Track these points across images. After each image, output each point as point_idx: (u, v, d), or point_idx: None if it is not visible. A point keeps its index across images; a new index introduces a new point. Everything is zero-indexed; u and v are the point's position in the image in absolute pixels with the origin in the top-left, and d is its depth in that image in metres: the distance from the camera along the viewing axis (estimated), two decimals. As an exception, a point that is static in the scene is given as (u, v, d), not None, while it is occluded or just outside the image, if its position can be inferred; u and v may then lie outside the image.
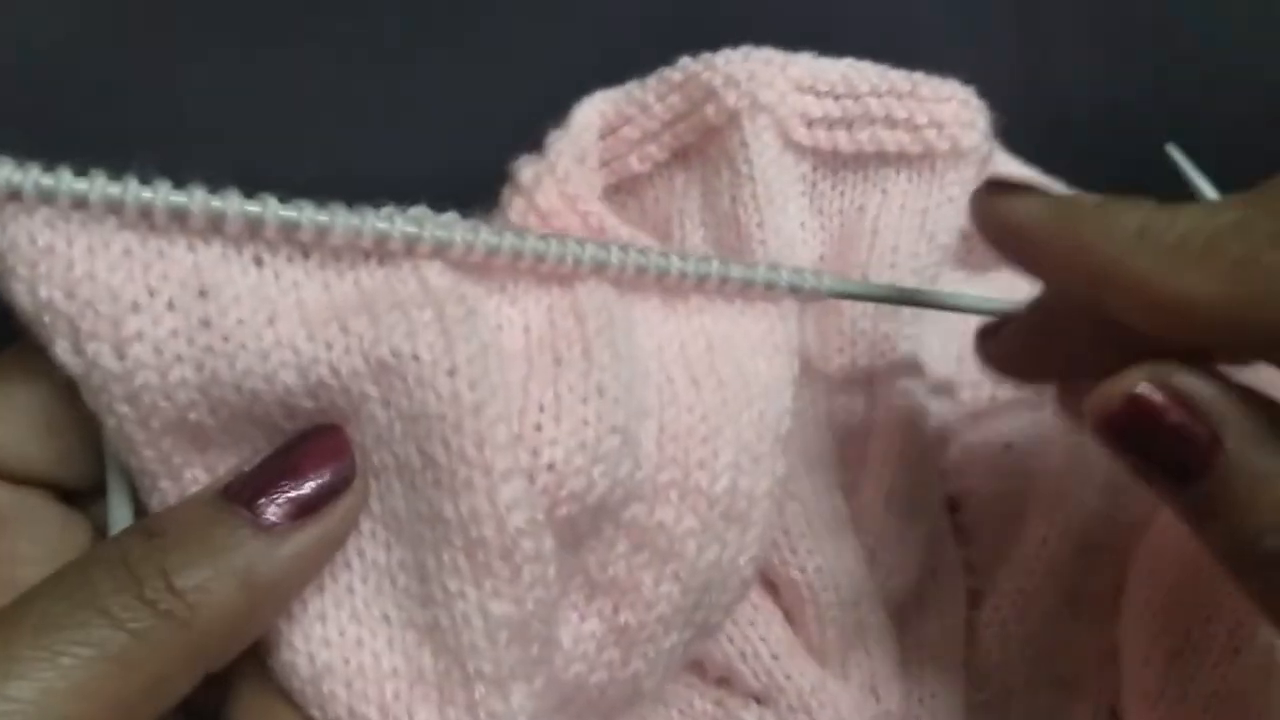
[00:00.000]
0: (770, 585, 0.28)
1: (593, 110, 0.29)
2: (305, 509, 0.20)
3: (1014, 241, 0.21)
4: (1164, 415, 0.19)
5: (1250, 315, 0.18)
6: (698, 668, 0.28)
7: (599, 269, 0.23)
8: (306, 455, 0.21)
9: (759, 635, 0.27)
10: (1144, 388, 0.19)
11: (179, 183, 0.20)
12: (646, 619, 0.23)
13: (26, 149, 0.20)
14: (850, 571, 0.27)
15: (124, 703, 0.18)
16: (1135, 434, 0.19)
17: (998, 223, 0.21)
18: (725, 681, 0.28)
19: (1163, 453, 0.19)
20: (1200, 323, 0.18)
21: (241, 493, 0.20)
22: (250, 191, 0.21)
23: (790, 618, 0.28)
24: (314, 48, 0.32)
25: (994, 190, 0.22)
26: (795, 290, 0.24)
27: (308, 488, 0.20)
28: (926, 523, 0.28)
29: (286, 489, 0.20)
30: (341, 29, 0.32)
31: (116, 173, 0.20)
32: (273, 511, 0.20)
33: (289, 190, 0.21)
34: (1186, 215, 0.19)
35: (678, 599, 0.23)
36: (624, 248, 0.23)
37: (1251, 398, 0.19)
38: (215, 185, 0.20)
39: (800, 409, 0.26)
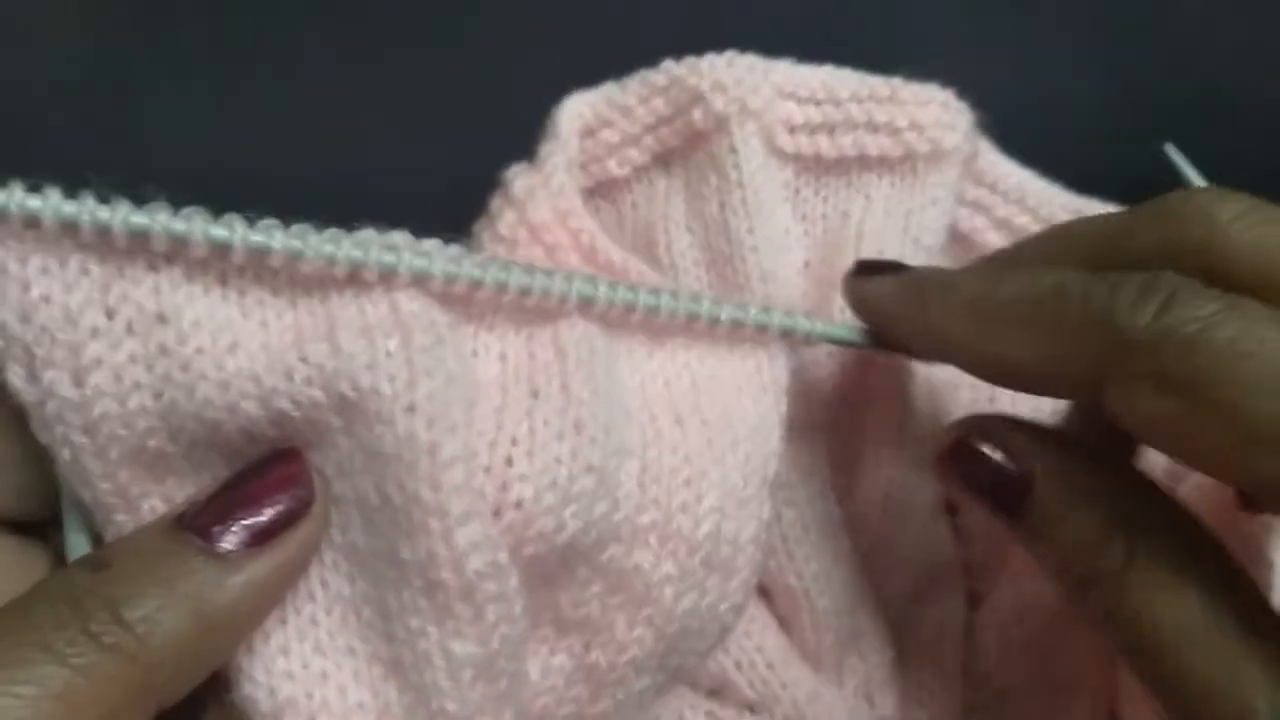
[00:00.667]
0: (765, 592, 0.28)
1: (575, 113, 0.28)
2: (261, 537, 0.19)
3: (875, 319, 0.24)
4: (981, 457, 0.22)
5: (1063, 371, 0.20)
6: (689, 680, 0.27)
7: (585, 306, 0.22)
8: (263, 482, 0.20)
9: (754, 644, 0.27)
10: (966, 433, 0.23)
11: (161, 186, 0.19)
12: (617, 661, 0.22)
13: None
14: (846, 577, 0.27)
15: None
16: (960, 472, 0.23)
17: (861, 303, 0.24)
18: (717, 693, 0.27)
19: (987, 490, 0.22)
20: (1026, 380, 0.21)
21: (195, 521, 0.19)
22: (233, 193, 0.20)
23: (785, 624, 0.28)
24: (314, 49, 0.31)
25: (859, 273, 0.25)
26: (787, 334, 0.24)
27: (264, 515, 0.20)
28: (923, 526, 0.28)
29: (241, 516, 0.19)
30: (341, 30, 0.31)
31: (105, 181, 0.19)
32: (227, 539, 0.19)
33: (285, 190, 0.20)
34: (1011, 283, 0.21)
35: (651, 644, 0.23)
36: (612, 284, 0.22)
37: (1064, 446, 0.22)
38: (194, 191, 0.19)
39: (793, 415, 0.26)
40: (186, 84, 0.30)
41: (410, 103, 0.32)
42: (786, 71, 0.28)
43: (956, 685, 0.28)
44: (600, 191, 0.29)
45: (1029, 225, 0.30)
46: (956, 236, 0.30)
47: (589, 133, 0.28)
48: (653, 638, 0.22)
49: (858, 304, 0.24)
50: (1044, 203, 0.30)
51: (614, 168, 0.29)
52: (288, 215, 0.20)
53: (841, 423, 0.28)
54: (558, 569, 0.22)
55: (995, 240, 0.30)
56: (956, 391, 0.28)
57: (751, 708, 0.27)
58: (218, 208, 0.19)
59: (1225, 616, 0.19)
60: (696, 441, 0.23)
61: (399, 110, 0.32)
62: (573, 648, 0.23)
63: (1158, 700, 0.20)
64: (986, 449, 0.22)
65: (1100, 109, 0.33)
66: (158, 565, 0.19)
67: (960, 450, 0.23)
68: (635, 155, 0.28)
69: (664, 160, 0.28)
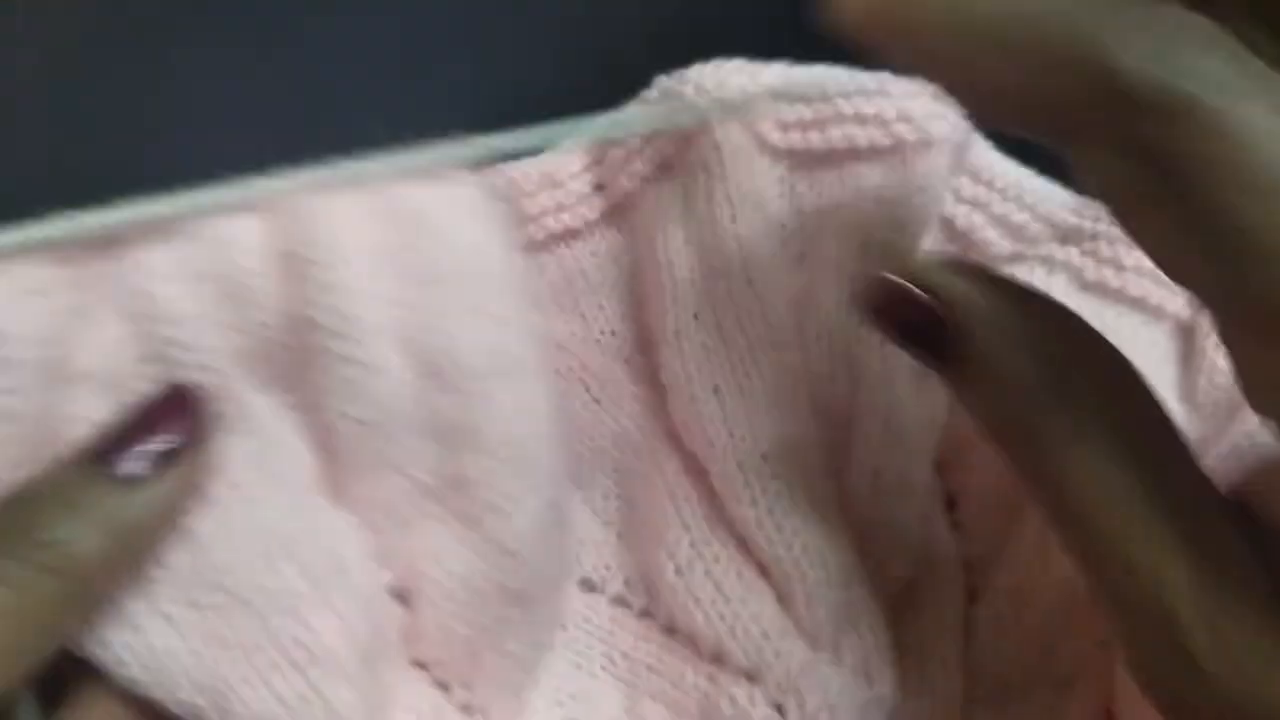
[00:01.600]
0: (761, 565, 0.28)
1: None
2: (158, 461, 0.23)
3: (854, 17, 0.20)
4: (911, 299, 0.21)
5: (1042, 111, 0.17)
6: (690, 643, 0.28)
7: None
8: (159, 410, 0.23)
9: (750, 613, 0.28)
10: (897, 276, 0.22)
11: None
12: None
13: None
14: (839, 552, 0.27)
15: (12, 649, 0.21)
16: (885, 314, 0.22)
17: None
18: (718, 659, 0.28)
19: (915, 334, 0.21)
20: (1005, 115, 0.18)
21: (100, 450, 0.23)
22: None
23: (782, 598, 0.28)
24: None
25: None
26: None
27: (161, 440, 0.23)
28: (917, 507, 0.28)
29: (142, 442, 0.23)
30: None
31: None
32: (129, 464, 0.22)
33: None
34: None
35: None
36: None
37: (1006, 289, 0.21)
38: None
39: (778, 389, 0.27)
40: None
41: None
42: (776, 72, 0.29)
43: (957, 676, 0.28)
44: (619, 210, 0.32)
45: (1028, 222, 0.30)
46: (954, 234, 0.30)
47: (601, 154, 0.31)
48: None
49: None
50: (1041, 200, 0.30)
51: (626, 182, 0.31)
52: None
53: (830, 402, 0.28)
54: None
55: (993, 236, 0.30)
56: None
57: (748, 676, 0.28)
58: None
59: (1155, 486, 0.18)
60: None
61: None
62: None
63: (1080, 571, 0.19)
64: (917, 291, 0.21)
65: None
66: (69, 494, 0.22)
67: (888, 290, 0.22)
68: (640, 167, 0.30)
69: (665, 168, 0.30)
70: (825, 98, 0.29)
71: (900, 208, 0.28)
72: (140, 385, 0.24)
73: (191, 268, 0.24)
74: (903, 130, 0.29)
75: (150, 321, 0.24)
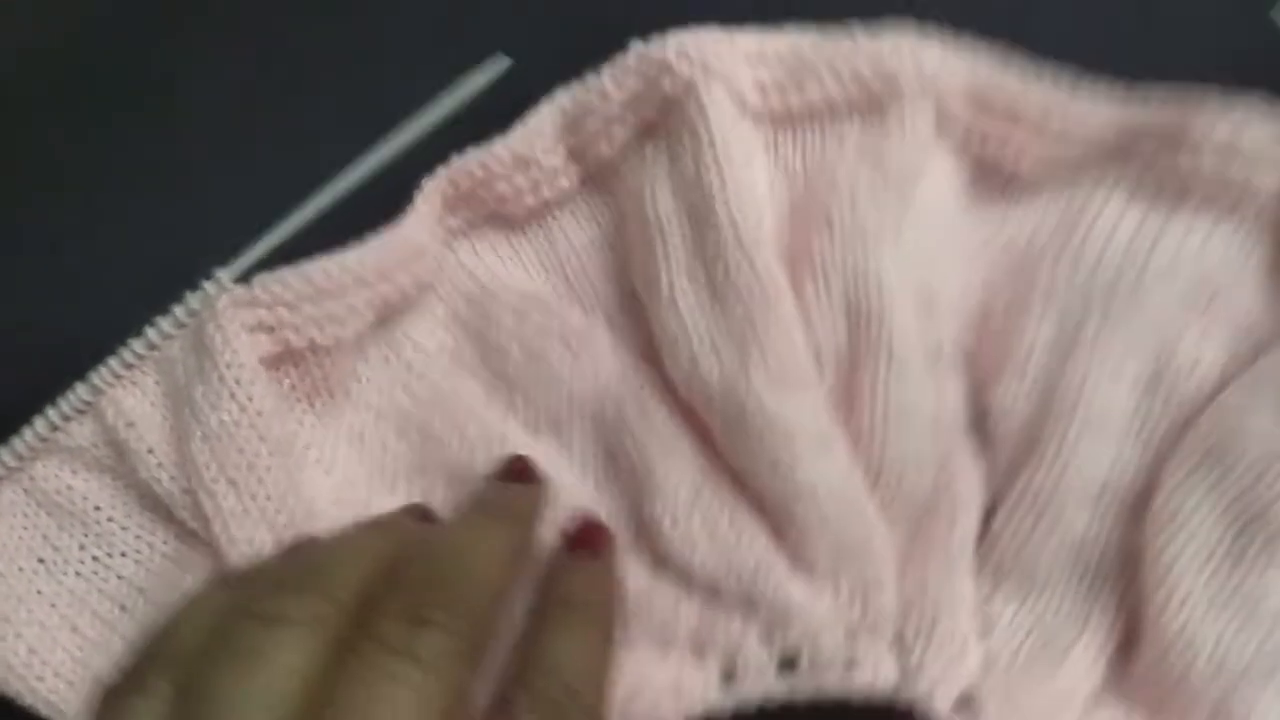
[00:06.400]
0: (758, 503, 0.29)
1: (557, 108, 0.31)
2: None
3: None
4: None
5: None
6: (685, 576, 0.29)
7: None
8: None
9: (744, 549, 0.28)
10: None
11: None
12: None
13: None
14: (834, 489, 0.28)
15: None
16: None
17: None
18: (712, 591, 0.29)
19: None
20: None
21: None
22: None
23: (778, 532, 0.29)
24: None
25: None
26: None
27: None
28: (929, 438, 0.29)
29: None
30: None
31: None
32: None
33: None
34: None
35: None
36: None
37: None
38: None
39: (775, 338, 0.28)
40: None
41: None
42: (751, 37, 0.30)
43: (967, 592, 0.29)
44: (599, 175, 0.32)
45: (1062, 142, 0.29)
46: (985, 169, 0.31)
47: (575, 123, 0.31)
48: None
49: None
50: (1073, 116, 0.29)
51: (605, 149, 0.31)
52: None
53: (833, 348, 0.29)
54: None
55: (1024, 163, 0.30)
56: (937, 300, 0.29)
57: (742, 607, 0.29)
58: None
59: None
60: None
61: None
62: None
63: None
64: None
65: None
66: None
67: None
68: (620, 132, 0.31)
69: (647, 132, 0.31)
70: (802, 58, 0.30)
71: (884, 158, 0.29)
72: None
73: None
74: (878, 85, 0.29)
75: None
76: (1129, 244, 0.28)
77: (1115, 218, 0.29)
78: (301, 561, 0.23)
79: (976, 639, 0.29)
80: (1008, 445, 0.29)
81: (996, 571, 0.29)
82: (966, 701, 0.28)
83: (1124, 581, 0.28)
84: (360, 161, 0.32)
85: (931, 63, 0.29)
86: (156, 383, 0.32)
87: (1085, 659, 0.28)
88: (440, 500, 0.32)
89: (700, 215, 0.29)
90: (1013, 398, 0.29)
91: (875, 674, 0.28)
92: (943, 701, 0.28)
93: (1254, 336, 0.28)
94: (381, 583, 0.23)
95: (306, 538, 0.24)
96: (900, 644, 0.29)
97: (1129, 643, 0.28)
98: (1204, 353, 0.28)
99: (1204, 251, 0.28)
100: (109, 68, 0.36)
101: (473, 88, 0.33)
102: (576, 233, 0.33)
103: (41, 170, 0.35)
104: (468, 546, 0.25)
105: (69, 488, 0.32)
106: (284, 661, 0.20)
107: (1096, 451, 0.28)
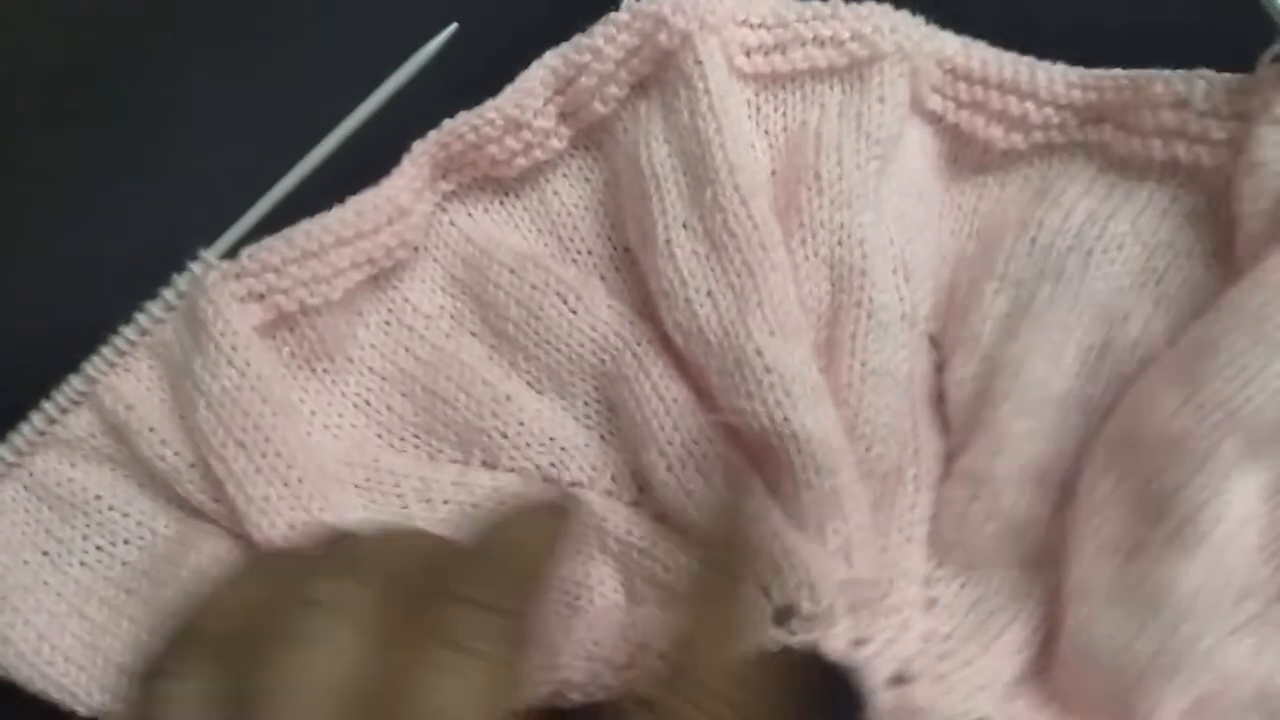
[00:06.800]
0: (752, 456, 0.30)
1: (548, 68, 0.32)
2: None
3: None
4: None
5: None
6: (681, 529, 0.30)
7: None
8: None
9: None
10: None
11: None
12: None
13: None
14: (826, 439, 0.29)
15: None
16: None
17: None
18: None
19: None
20: None
21: None
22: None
23: (771, 485, 0.30)
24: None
25: None
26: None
27: None
28: (902, 396, 0.30)
29: None
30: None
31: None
32: None
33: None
34: None
35: None
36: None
37: None
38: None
39: (769, 287, 0.29)
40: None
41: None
42: (737, 2, 0.31)
43: (921, 553, 0.30)
44: (592, 133, 0.33)
45: (1030, 111, 0.31)
46: (959, 138, 0.32)
47: (567, 83, 0.32)
48: None
49: None
50: (1040, 85, 0.31)
51: (599, 107, 0.32)
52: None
53: (816, 305, 0.30)
54: None
55: (996, 133, 0.32)
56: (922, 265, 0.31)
57: None
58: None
59: None
60: None
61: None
62: None
63: None
64: None
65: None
66: None
67: None
68: (614, 90, 0.32)
69: (642, 87, 0.32)
70: (784, 23, 0.31)
71: (863, 119, 0.31)
72: None
73: None
74: (856, 49, 0.31)
75: None
76: (1087, 218, 0.30)
77: (1080, 193, 0.30)
78: (343, 550, 0.23)
79: (920, 613, 0.29)
80: (957, 425, 0.30)
81: (940, 549, 0.30)
82: (900, 676, 0.28)
83: (1061, 568, 0.28)
84: (327, 138, 0.32)
85: (908, 28, 0.31)
86: (150, 367, 0.31)
87: (1014, 643, 0.29)
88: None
89: (696, 165, 0.30)
90: (961, 379, 0.30)
91: (830, 638, 0.28)
92: (881, 673, 0.28)
93: (1198, 317, 0.28)
94: (423, 572, 0.22)
95: (346, 531, 0.24)
96: (853, 611, 0.29)
97: (1056, 632, 0.28)
98: (1148, 332, 0.29)
99: (1158, 228, 0.29)
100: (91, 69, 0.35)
101: (425, 56, 0.33)
102: (569, 192, 0.33)
103: (22, 166, 0.34)
104: (511, 534, 0.24)
105: (69, 479, 0.31)
106: (333, 645, 0.20)
107: (1034, 432, 0.29)
